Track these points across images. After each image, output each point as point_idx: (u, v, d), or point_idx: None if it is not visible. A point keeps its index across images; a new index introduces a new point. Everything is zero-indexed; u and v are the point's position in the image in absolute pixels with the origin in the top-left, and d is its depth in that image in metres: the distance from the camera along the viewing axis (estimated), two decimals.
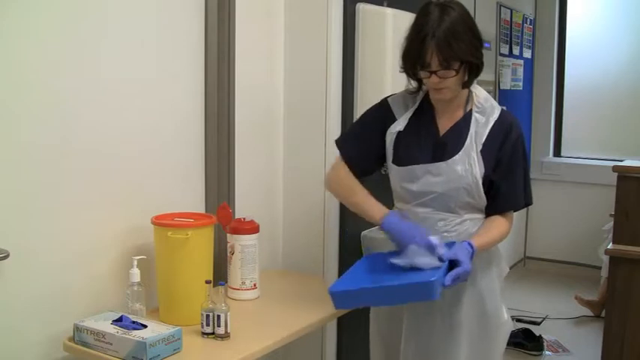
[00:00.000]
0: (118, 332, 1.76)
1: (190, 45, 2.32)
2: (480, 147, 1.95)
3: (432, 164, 1.95)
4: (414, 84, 2.04)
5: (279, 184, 2.78)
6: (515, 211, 2.05)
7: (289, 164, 2.76)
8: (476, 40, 1.92)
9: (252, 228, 2.27)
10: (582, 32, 5.54)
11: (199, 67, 2.36)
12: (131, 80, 2.10)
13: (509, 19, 4.92)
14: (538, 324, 4.26)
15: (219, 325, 1.89)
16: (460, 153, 1.95)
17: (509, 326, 2.10)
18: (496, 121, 1.98)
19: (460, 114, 2.00)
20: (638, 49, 5.31)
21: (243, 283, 2.26)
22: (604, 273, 4.30)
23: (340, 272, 2.68)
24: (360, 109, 2.72)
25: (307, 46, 2.67)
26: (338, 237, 2.72)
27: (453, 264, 1.80)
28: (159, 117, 2.21)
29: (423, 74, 1.91)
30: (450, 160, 1.94)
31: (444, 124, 2.01)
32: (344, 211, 2.70)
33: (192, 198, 2.37)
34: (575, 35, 5.57)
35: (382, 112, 2.08)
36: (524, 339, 3.85)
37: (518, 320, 4.23)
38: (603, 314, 3.38)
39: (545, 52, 5.56)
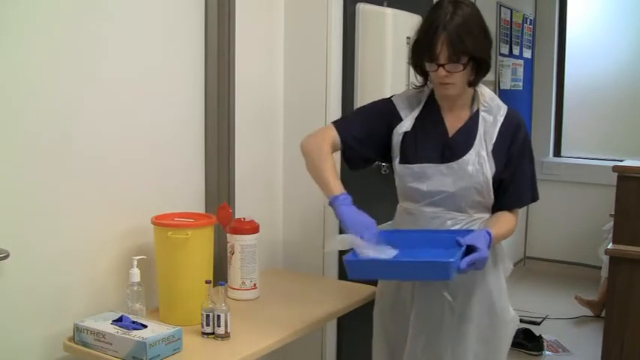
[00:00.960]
0: (118, 332, 1.76)
1: (190, 44, 2.32)
2: (490, 147, 1.96)
3: (443, 164, 1.96)
4: (419, 79, 2.04)
5: (279, 184, 2.78)
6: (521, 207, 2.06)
7: (289, 164, 2.76)
8: (486, 39, 1.93)
9: (252, 228, 2.27)
10: (582, 32, 5.54)
11: (199, 66, 2.36)
12: (131, 80, 2.10)
13: (509, 19, 4.92)
14: (538, 324, 4.26)
15: (219, 325, 1.89)
16: (470, 152, 1.95)
17: (515, 322, 2.11)
18: (504, 119, 1.99)
19: (467, 113, 2.00)
20: (638, 49, 5.31)
21: (243, 283, 2.26)
22: (604, 273, 4.30)
23: (340, 272, 2.68)
24: None
25: (307, 46, 2.67)
26: None
27: (469, 250, 1.79)
28: (159, 117, 2.21)
29: (430, 67, 1.91)
30: (460, 160, 1.95)
31: (452, 124, 2.01)
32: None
33: (192, 198, 2.37)
34: (575, 35, 5.57)
35: (388, 107, 2.07)
36: (524, 339, 3.85)
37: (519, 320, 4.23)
38: (603, 314, 3.38)
39: (545, 52, 5.56)
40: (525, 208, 5.47)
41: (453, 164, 1.95)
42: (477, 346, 2.02)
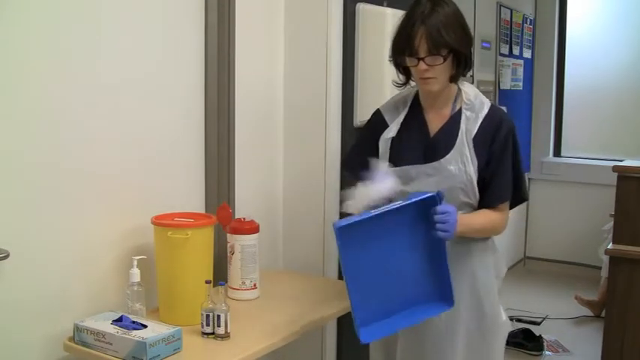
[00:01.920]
0: (118, 332, 1.76)
1: (190, 44, 2.32)
2: (472, 144, 1.95)
3: (425, 165, 1.95)
4: (401, 78, 2.05)
5: (279, 184, 2.78)
6: (505, 204, 2.02)
7: (289, 164, 2.76)
8: (465, 34, 1.93)
9: (252, 228, 2.27)
10: (582, 32, 5.53)
11: (199, 66, 2.36)
12: (131, 81, 2.10)
13: (509, 19, 4.92)
14: (538, 324, 4.26)
15: (219, 325, 1.89)
16: (452, 152, 1.95)
17: (507, 327, 2.10)
18: (486, 116, 1.98)
19: (449, 112, 2.00)
20: (638, 49, 5.31)
21: (243, 283, 2.26)
22: (604, 273, 4.30)
23: (340, 272, 2.68)
24: (360, 109, 2.72)
25: (307, 46, 2.67)
26: None
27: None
28: (159, 117, 2.21)
29: (410, 62, 1.92)
30: (442, 160, 1.95)
31: (434, 124, 2.01)
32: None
33: (192, 198, 2.37)
34: (575, 35, 5.56)
35: (374, 120, 2.12)
36: (524, 339, 3.85)
37: (518, 320, 4.23)
38: (603, 314, 3.38)
39: (545, 52, 5.56)
40: (525, 208, 5.50)
41: (435, 164, 1.95)
42: (467, 352, 2.01)
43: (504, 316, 2.08)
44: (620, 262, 3.01)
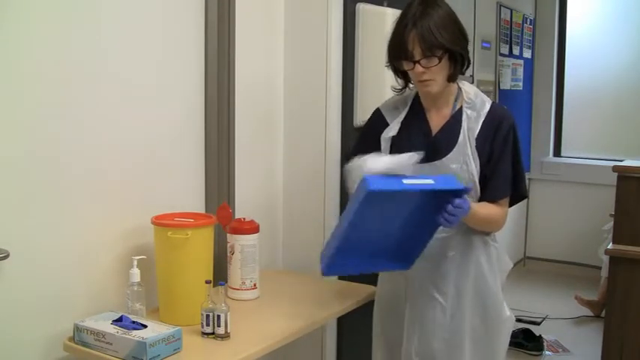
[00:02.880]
0: (118, 332, 1.76)
1: (190, 45, 2.32)
2: (474, 143, 1.95)
3: (427, 164, 1.95)
4: (400, 82, 2.05)
5: (279, 184, 2.78)
6: (505, 200, 2.02)
7: (289, 164, 2.76)
8: (459, 33, 1.93)
9: (252, 228, 2.27)
10: (582, 32, 5.54)
11: (199, 66, 2.35)
12: (131, 80, 2.10)
13: (509, 19, 4.92)
14: (538, 324, 4.26)
15: (219, 325, 1.89)
16: (454, 151, 1.95)
17: (511, 322, 2.10)
18: (487, 114, 1.98)
19: (449, 111, 2.00)
20: (638, 49, 5.31)
21: (243, 283, 2.26)
22: (604, 273, 4.30)
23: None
24: (360, 109, 2.72)
25: (307, 46, 2.67)
26: None
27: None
28: (159, 117, 2.21)
29: (407, 66, 1.92)
30: (444, 159, 1.95)
31: (436, 123, 2.01)
32: (344, 211, 2.70)
33: (192, 198, 2.37)
34: (575, 35, 5.57)
35: (374, 119, 2.12)
36: (524, 339, 3.85)
37: (518, 320, 4.22)
38: (603, 314, 3.38)
39: (545, 52, 5.56)
40: (525, 208, 5.50)
41: (437, 163, 1.95)
42: (472, 346, 2.02)
43: (508, 311, 2.08)
44: (620, 262, 3.01)
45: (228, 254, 2.27)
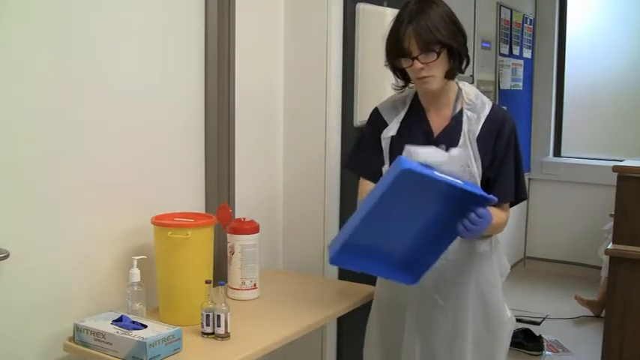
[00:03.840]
0: (118, 332, 1.76)
1: (190, 45, 2.32)
2: (475, 145, 1.95)
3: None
4: (399, 82, 2.05)
5: (279, 184, 2.78)
6: (508, 204, 2.03)
7: (289, 164, 2.76)
8: (457, 29, 1.93)
9: (252, 228, 2.27)
10: (582, 32, 5.54)
11: (199, 67, 2.35)
12: (131, 80, 2.10)
13: (509, 19, 4.92)
14: (538, 324, 4.26)
15: (219, 325, 1.89)
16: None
17: (512, 323, 2.10)
18: (488, 116, 1.98)
19: (450, 112, 2.00)
20: (638, 50, 5.31)
21: (243, 283, 2.26)
22: (604, 273, 4.30)
23: (340, 273, 2.68)
24: (360, 109, 2.72)
25: (307, 46, 2.67)
26: None
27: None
28: (159, 117, 2.21)
29: (405, 63, 1.92)
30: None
31: (437, 124, 2.01)
32: (344, 211, 2.70)
33: (192, 198, 2.37)
34: (575, 35, 5.57)
35: (373, 119, 2.11)
36: (524, 339, 3.85)
37: (518, 320, 4.22)
38: (603, 314, 3.38)
39: (545, 52, 5.56)
40: (525, 208, 5.50)
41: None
42: (474, 349, 2.02)
43: (509, 313, 2.08)
44: (620, 262, 3.01)
45: (228, 254, 2.27)
